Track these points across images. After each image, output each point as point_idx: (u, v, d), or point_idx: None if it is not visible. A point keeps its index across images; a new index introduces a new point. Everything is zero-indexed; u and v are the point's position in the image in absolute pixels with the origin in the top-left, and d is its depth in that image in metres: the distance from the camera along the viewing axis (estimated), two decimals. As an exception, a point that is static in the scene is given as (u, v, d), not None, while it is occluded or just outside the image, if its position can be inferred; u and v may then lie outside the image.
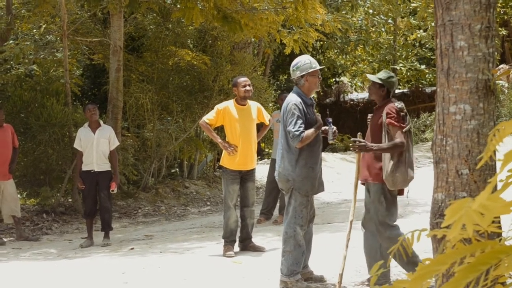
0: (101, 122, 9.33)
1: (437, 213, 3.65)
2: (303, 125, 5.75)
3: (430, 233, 2.06)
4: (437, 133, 3.71)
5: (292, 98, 5.89)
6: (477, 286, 1.79)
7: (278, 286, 5.89)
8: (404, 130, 5.50)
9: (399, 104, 5.60)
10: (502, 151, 1.92)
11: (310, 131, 5.77)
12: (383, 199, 5.58)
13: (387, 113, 5.55)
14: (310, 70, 5.92)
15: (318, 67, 6.01)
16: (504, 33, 23.90)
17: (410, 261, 5.26)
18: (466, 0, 3.59)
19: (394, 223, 5.62)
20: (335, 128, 6.12)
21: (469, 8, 3.58)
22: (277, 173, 6.00)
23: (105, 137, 9.10)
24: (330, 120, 6.12)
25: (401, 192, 5.74)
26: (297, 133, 5.70)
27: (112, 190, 9.07)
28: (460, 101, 3.59)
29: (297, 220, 5.84)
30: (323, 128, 6.04)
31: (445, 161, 3.65)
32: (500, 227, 3.58)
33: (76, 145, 9.22)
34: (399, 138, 5.47)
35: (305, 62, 5.96)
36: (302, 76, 5.93)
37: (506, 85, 21.07)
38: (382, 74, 5.82)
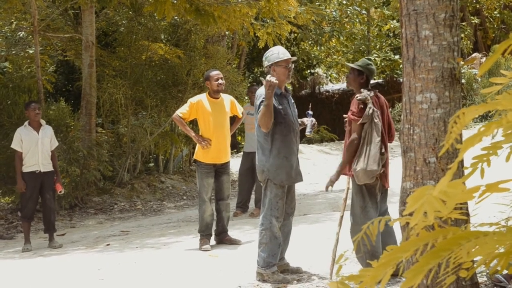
0: (43, 121, 8.87)
1: (405, 202, 3.68)
2: None
3: (393, 221, 2.08)
4: (404, 123, 3.74)
5: (260, 90, 5.91)
6: (439, 272, 1.81)
7: (255, 278, 5.91)
8: (359, 122, 5.44)
9: (362, 96, 5.50)
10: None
11: (261, 109, 5.70)
12: (360, 192, 5.53)
13: (350, 108, 5.56)
14: (277, 60, 5.89)
15: (286, 57, 5.92)
16: (476, 22, 24.06)
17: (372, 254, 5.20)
18: (430, -11, 3.62)
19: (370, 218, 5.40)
20: (314, 120, 6.13)
21: (433, -3, 3.61)
22: (256, 165, 6.03)
23: (48, 137, 8.72)
24: (311, 112, 6.13)
25: (386, 185, 5.66)
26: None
27: (60, 191, 8.77)
28: (426, 90, 3.61)
29: (273, 212, 5.84)
30: (302, 120, 6.10)
31: (412, 150, 3.68)
32: (468, 214, 3.63)
33: (15, 145, 8.69)
34: (353, 134, 5.49)
35: (272, 53, 5.96)
36: (270, 67, 5.93)
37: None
38: (361, 62, 5.81)
